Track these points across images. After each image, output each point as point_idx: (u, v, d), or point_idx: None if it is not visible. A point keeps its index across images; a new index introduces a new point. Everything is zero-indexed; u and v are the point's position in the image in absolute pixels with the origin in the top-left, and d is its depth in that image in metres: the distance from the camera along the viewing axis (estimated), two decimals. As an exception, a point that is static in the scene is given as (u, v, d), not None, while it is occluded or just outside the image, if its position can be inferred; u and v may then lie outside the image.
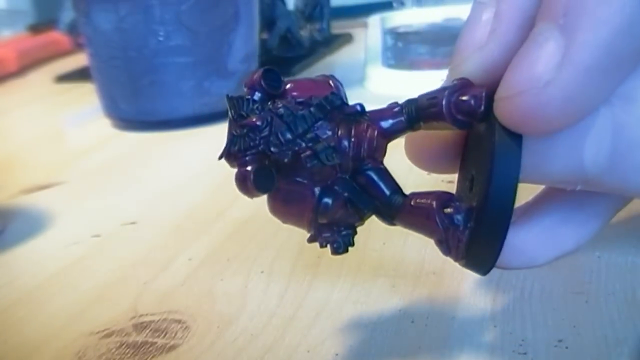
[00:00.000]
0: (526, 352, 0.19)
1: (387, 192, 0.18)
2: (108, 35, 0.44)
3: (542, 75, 0.15)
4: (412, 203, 0.17)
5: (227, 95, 0.18)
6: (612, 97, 0.16)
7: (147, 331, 0.22)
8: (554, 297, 0.21)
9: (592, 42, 0.15)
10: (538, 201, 0.23)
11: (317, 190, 0.17)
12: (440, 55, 0.56)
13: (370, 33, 0.61)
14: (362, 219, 0.18)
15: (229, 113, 0.18)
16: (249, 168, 0.17)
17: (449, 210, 0.17)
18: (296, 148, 0.17)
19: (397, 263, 0.25)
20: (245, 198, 0.30)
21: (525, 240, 0.22)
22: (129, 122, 0.46)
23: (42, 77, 0.67)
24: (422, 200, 0.17)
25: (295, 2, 0.66)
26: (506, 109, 0.16)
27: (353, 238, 0.19)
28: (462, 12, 0.64)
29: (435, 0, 0.72)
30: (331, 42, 0.67)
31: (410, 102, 0.18)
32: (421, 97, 0.18)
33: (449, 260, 0.24)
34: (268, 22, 0.58)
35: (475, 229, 0.17)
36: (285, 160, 0.17)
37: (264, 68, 0.18)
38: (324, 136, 0.17)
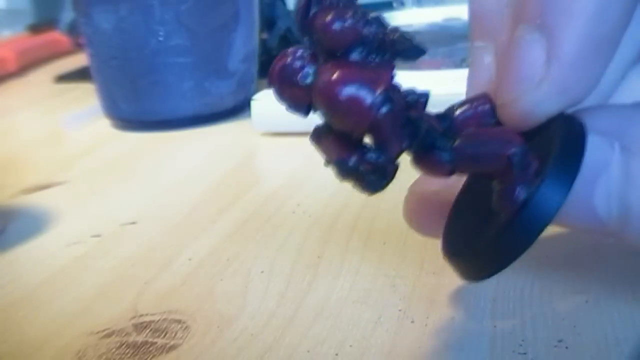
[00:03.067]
0: (526, 352, 0.19)
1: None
2: (108, 35, 0.44)
3: (533, 76, 0.16)
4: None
5: None
6: (631, 145, 0.16)
7: (147, 331, 0.22)
8: (554, 297, 0.22)
9: (570, 35, 0.16)
10: None
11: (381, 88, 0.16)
12: (440, 55, 0.56)
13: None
14: (412, 140, 0.16)
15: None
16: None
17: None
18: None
19: (397, 263, 0.25)
20: (246, 198, 0.30)
21: None
22: (129, 122, 0.46)
23: (42, 77, 0.67)
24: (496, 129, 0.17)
25: (295, 2, 0.66)
26: (508, 113, 0.17)
27: (394, 172, 0.17)
28: (462, 12, 0.64)
29: (435, 0, 0.72)
30: (331, 42, 0.67)
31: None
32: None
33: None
34: (268, 22, 0.58)
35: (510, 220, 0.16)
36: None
37: None
38: None
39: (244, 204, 0.32)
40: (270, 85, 0.17)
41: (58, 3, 0.79)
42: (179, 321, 0.22)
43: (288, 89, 0.17)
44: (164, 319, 0.22)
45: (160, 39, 0.43)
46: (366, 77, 0.16)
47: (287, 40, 0.61)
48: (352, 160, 0.16)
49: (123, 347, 0.21)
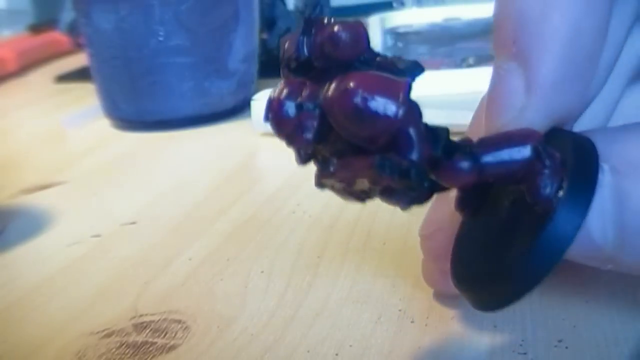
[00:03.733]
0: (526, 352, 0.19)
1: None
2: (108, 35, 0.44)
3: (515, 105, 0.16)
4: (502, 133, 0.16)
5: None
6: (620, 165, 0.15)
7: (147, 331, 0.22)
8: (554, 297, 0.21)
9: (546, 60, 0.16)
10: None
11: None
12: (440, 55, 0.56)
13: (370, 33, 0.61)
14: (436, 147, 0.16)
15: None
16: None
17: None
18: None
19: (397, 263, 0.25)
20: (246, 198, 0.30)
21: None
22: (129, 122, 0.46)
23: (42, 77, 0.67)
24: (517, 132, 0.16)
25: (295, 2, 0.66)
26: None
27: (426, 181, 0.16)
28: (462, 12, 0.64)
29: (435, 0, 0.73)
30: (331, 42, 0.67)
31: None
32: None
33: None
34: (268, 22, 0.58)
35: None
36: None
37: None
38: None
39: (244, 204, 0.32)
40: (268, 121, 0.17)
41: (58, 3, 0.79)
42: (179, 321, 0.22)
43: (294, 118, 0.16)
44: (164, 319, 0.22)
45: (160, 39, 0.43)
46: (386, 81, 0.15)
47: (287, 40, 0.61)
48: (390, 158, 0.15)
49: (123, 347, 0.21)
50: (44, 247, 0.29)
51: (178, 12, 0.43)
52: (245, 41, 0.47)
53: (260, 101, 0.41)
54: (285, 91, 0.16)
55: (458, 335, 0.20)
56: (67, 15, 0.75)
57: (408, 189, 0.16)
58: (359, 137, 0.16)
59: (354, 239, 0.27)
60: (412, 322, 0.21)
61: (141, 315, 0.23)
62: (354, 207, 0.30)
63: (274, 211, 0.31)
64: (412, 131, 0.15)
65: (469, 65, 0.48)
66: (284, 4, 0.61)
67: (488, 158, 0.16)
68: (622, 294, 0.21)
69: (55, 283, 0.26)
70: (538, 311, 0.21)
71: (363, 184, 0.16)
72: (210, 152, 0.41)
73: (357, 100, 0.15)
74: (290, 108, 0.16)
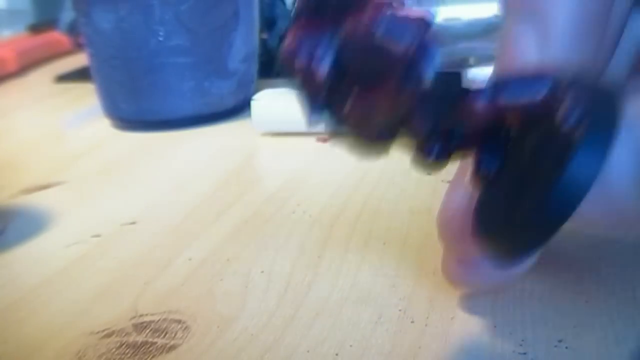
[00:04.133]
0: (526, 352, 0.19)
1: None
2: (108, 35, 0.44)
3: (529, 59, 0.16)
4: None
5: None
6: (637, 119, 0.15)
7: (147, 331, 0.22)
8: (554, 297, 0.22)
9: (559, 18, 0.16)
10: None
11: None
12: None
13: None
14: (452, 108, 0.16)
15: None
16: None
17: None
18: None
19: (397, 263, 0.25)
20: (246, 198, 0.30)
21: None
22: (129, 122, 0.46)
23: (42, 77, 0.67)
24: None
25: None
26: None
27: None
28: (462, 12, 0.64)
29: (435, 0, 0.72)
30: (331, 42, 0.67)
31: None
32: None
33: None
34: (268, 22, 0.58)
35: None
36: None
37: None
38: None
39: (244, 204, 0.32)
40: (284, 61, 0.17)
41: (58, 3, 0.79)
42: (179, 321, 0.22)
43: (309, 53, 0.16)
44: (164, 319, 0.22)
45: (160, 39, 0.43)
46: (405, 9, 0.16)
47: (287, 41, 0.61)
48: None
49: (123, 347, 0.21)
50: (44, 247, 0.29)
51: (178, 12, 0.43)
52: (245, 41, 0.47)
53: (260, 101, 0.41)
54: (299, 32, 0.16)
55: (458, 335, 0.20)
56: (67, 15, 0.75)
57: (428, 103, 0.16)
58: (384, 62, 0.16)
59: (354, 239, 0.27)
60: (412, 322, 0.21)
61: (141, 315, 0.23)
62: (354, 207, 0.30)
63: (274, 211, 0.31)
64: (435, 47, 0.15)
65: (469, 66, 0.48)
66: (284, 4, 0.61)
67: (506, 93, 0.15)
68: (622, 293, 0.21)
69: (55, 283, 0.26)
70: (538, 311, 0.21)
71: (381, 113, 0.16)
72: (210, 152, 0.41)
73: (386, 20, 0.15)
74: (305, 44, 0.16)
